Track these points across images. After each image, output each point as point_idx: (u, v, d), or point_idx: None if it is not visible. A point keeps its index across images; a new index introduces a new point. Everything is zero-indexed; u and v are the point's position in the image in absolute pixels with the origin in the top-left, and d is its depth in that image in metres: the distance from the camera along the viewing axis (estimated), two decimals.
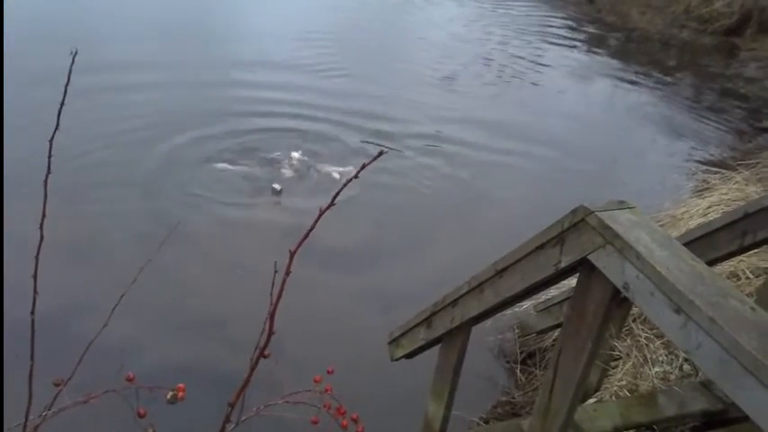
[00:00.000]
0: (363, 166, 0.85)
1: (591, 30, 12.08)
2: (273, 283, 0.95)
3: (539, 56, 10.44)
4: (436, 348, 2.79)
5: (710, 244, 2.62)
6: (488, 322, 3.51)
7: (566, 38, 11.55)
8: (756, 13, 11.04)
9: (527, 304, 3.97)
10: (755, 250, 3.64)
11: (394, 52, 10.15)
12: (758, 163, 6.54)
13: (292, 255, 0.89)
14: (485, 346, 4.16)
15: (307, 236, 0.88)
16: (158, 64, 8.51)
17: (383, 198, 5.95)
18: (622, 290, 1.69)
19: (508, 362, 4.07)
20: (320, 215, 0.89)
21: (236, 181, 6.08)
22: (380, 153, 0.88)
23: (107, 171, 5.99)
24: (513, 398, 3.80)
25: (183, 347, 4.08)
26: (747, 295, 3.59)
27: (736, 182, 5.60)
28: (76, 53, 1.05)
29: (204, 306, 4.43)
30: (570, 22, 12.52)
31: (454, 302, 2.47)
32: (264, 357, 1.31)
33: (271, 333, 0.94)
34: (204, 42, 9.79)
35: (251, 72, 8.64)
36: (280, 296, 0.91)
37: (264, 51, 9.62)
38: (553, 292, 3.70)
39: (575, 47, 11.12)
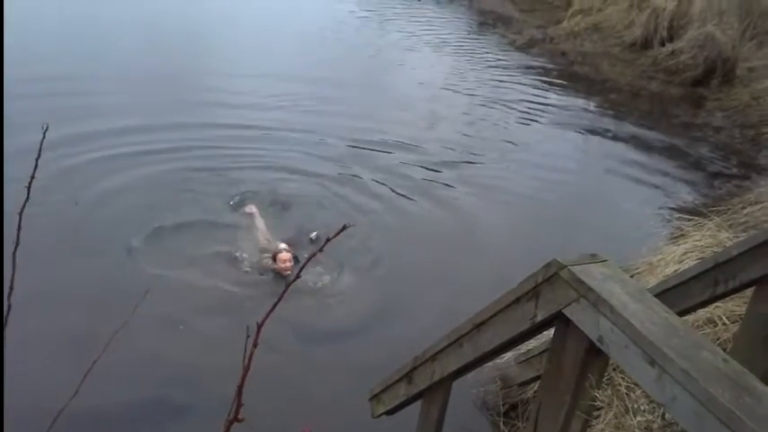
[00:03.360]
0: (328, 240, 0.87)
1: (563, 81, 12.43)
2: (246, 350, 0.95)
3: (511, 106, 10.68)
4: (418, 404, 2.77)
5: (684, 293, 2.67)
6: (470, 375, 3.49)
7: (539, 88, 11.86)
8: (720, 65, 11.46)
9: (508, 356, 3.96)
10: (731, 296, 3.70)
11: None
12: (729, 209, 6.68)
13: (259, 327, 0.90)
14: (467, 399, 4.11)
15: (274, 308, 0.89)
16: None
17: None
18: (597, 343, 1.71)
19: (491, 415, 4.02)
20: (287, 288, 0.90)
21: None
22: (344, 227, 0.90)
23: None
24: None
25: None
26: (724, 342, 3.64)
27: (709, 228, 5.69)
28: (47, 129, 1.07)
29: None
30: (543, 73, 12.88)
31: (434, 357, 2.47)
32: (238, 422, 1.31)
33: (239, 404, 0.94)
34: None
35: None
36: (248, 368, 0.91)
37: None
38: (533, 342, 3.69)
39: (547, 97, 11.42)
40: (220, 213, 6.51)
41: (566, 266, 1.75)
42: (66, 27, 13.44)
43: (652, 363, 1.57)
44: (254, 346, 0.89)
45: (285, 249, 5.57)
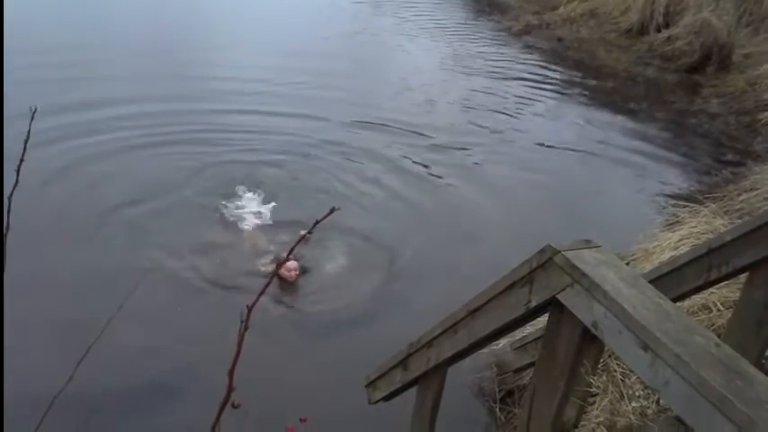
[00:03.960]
0: (317, 222, 0.87)
1: (560, 68, 12.39)
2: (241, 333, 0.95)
3: (506, 93, 10.66)
4: (414, 390, 2.78)
5: (678, 279, 2.68)
6: (466, 361, 3.50)
7: (535, 75, 11.82)
8: (716, 51, 11.43)
9: (504, 342, 3.97)
10: (725, 282, 3.72)
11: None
12: (724, 196, 6.70)
13: (250, 310, 0.90)
14: (463, 386, 4.14)
15: (263, 291, 0.89)
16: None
17: None
18: (591, 328, 1.71)
19: (487, 401, 4.04)
20: (277, 268, 0.90)
21: None
22: (332, 210, 0.90)
23: None
24: None
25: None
26: (719, 327, 3.66)
27: (705, 215, 5.70)
28: (36, 110, 1.06)
29: None
30: (539, 60, 12.83)
31: (429, 344, 2.48)
32: (234, 407, 1.31)
33: (231, 389, 0.95)
34: None
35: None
36: (239, 351, 0.92)
37: None
38: (529, 329, 3.71)
39: (543, 83, 11.38)
40: (214, 197, 6.50)
41: (559, 252, 1.76)
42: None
43: (645, 347, 1.57)
44: (245, 329, 0.89)
45: (292, 258, 5.33)
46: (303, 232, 0.92)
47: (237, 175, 6.89)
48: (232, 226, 6.06)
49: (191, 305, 4.98)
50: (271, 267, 5.43)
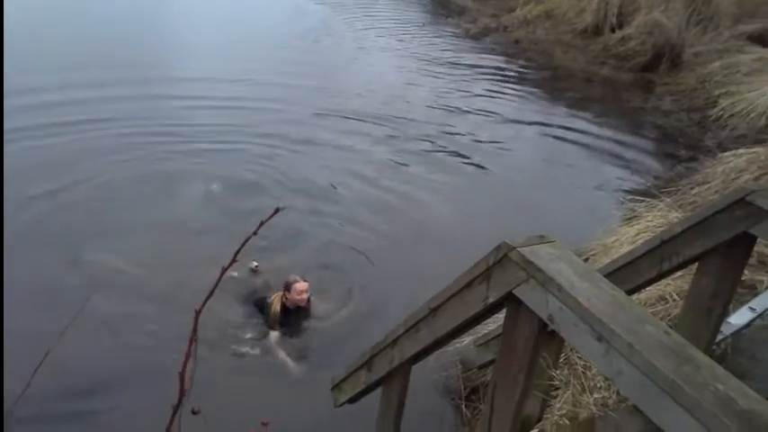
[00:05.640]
0: (262, 224, 0.88)
1: (517, 69, 12.57)
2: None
3: (464, 95, 10.78)
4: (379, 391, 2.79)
5: (634, 271, 2.75)
6: (432, 360, 3.54)
7: (492, 76, 11.97)
8: (667, 51, 11.76)
9: (468, 339, 4.02)
10: (681, 273, 3.83)
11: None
12: (678, 190, 6.89)
13: (198, 314, 0.90)
14: (430, 384, 4.17)
15: (211, 294, 0.89)
16: None
17: None
18: (548, 322, 1.75)
19: (453, 398, 4.08)
20: (223, 272, 0.90)
21: None
22: (276, 210, 0.90)
23: None
24: None
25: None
26: (675, 317, 3.76)
27: (660, 209, 5.87)
28: None
29: None
30: (497, 62, 13.00)
31: (392, 343, 2.49)
32: (195, 413, 1.30)
33: (182, 391, 0.94)
34: None
35: None
36: (188, 355, 0.91)
37: None
38: (492, 325, 3.76)
39: (501, 85, 11.53)
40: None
41: (514, 248, 1.79)
42: None
43: (600, 338, 1.61)
44: (194, 332, 0.89)
45: (301, 278, 4.79)
46: (250, 235, 0.92)
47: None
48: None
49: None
50: (270, 297, 4.89)
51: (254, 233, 0.93)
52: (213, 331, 4.46)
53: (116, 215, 6.12)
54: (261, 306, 4.89)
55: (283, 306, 4.76)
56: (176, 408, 0.95)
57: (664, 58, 11.83)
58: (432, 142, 8.66)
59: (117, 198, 6.42)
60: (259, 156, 7.74)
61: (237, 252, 0.90)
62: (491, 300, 1.90)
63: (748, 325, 3.05)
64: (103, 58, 10.64)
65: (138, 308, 4.89)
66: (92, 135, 7.69)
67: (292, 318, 4.79)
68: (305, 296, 4.74)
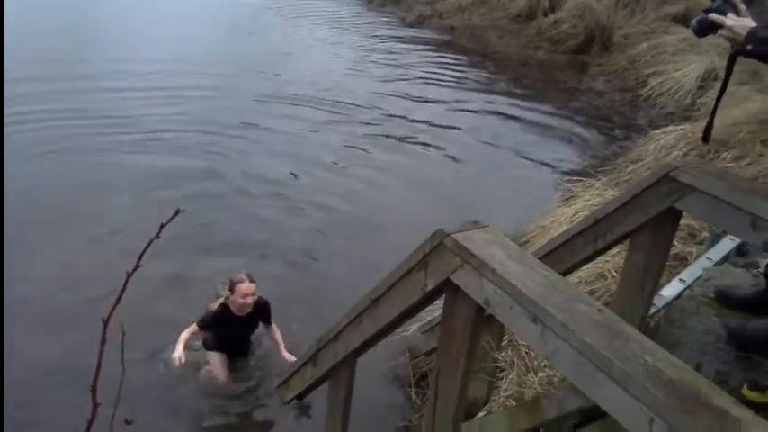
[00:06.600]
0: (162, 226, 0.85)
1: (454, 55, 12.65)
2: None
3: (401, 83, 10.81)
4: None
5: (570, 250, 2.81)
6: (380, 350, 3.54)
7: (429, 63, 12.03)
8: (598, 33, 12.07)
9: (415, 327, 4.04)
10: (618, 250, 3.94)
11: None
12: (614, 169, 7.09)
13: (106, 323, 0.86)
14: (379, 373, 4.18)
15: (118, 302, 0.85)
16: None
17: None
18: (484, 305, 1.77)
19: (402, 386, 4.10)
20: (128, 278, 0.86)
21: None
22: (177, 212, 0.87)
23: None
24: (411, 421, 3.84)
25: None
26: (613, 293, 3.88)
27: (597, 188, 6.01)
28: None
29: None
30: (433, 49, 13.06)
31: (336, 337, 2.48)
32: (128, 423, 1.25)
33: (95, 404, 0.90)
34: None
35: None
36: (99, 366, 0.88)
37: None
38: (437, 312, 3.79)
39: (438, 72, 11.59)
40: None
41: (449, 235, 1.80)
42: None
43: (535, 320, 1.64)
44: (102, 342, 0.85)
45: (248, 278, 3.95)
46: (153, 237, 0.88)
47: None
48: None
49: None
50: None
51: (156, 236, 0.89)
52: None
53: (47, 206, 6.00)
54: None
55: (227, 310, 3.99)
56: (90, 421, 0.91)
57: (595, 41, 12.14)
58: (370, 126, 8.70)
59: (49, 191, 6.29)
60: (202, 143, 7.78)
61: (140, 257, 0.87)
62: (430, 287, 1.91)
63: (679, 296, 3.16)
64: (33, 53, 10.27)
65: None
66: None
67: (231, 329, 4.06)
68: (249, 300, 3.92)
